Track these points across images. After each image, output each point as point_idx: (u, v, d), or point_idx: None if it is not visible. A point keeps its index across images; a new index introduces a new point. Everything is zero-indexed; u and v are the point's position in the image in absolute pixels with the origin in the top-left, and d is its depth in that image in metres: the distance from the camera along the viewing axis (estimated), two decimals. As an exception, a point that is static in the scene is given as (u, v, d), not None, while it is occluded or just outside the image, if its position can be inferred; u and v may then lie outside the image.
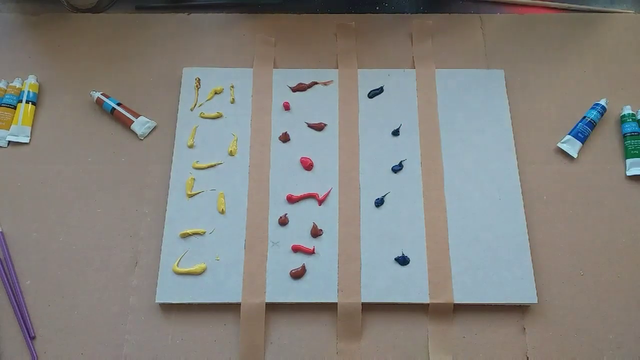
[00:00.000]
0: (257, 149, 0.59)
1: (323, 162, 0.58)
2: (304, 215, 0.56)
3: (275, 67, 0.64)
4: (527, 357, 0.51)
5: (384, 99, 0.62)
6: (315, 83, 0.62)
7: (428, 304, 0.52)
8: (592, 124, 0.60)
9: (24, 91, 0.61)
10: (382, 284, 0.53)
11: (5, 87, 0.62)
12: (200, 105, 0.61)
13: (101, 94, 0.61)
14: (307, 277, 0.53)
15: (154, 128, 0.61)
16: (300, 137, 0.60)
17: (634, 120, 0.59)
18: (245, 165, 0.58)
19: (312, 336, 0.52)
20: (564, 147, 0.59)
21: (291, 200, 0.56)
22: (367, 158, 0.59)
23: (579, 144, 0.59)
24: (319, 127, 0.60)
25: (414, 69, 0.63)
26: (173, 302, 0.52)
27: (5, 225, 0.56)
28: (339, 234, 0.55)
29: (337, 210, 0.56)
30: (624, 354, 0.51)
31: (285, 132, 0.59)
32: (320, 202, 0.56)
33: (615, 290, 0.53)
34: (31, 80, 0.62)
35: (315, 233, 0.55)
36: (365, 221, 0.56)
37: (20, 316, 0.52)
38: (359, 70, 0.63)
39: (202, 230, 0.55)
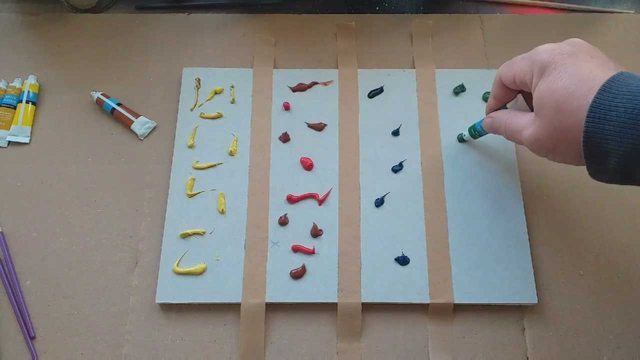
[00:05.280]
0: (257, 149, 0.59)
1: (323, 162, 0.58)
2: (304, 215, 0.56)
3: (275, 67, 0.64)
4: (527, 357, 0.51)
5: (384, 99, 0.62)
6: (315, 83, 0.62)
7: (428, 304, 0.52)
8: (592, 124, 0.60)
9: (24, 91, 0.61)
10: (382, 284, 0.53)
11: (5, 87, 0.62)
12: (200, 105, 0.61)
13: (101, 94, 0.61)
14: (307, 277, 0.53)
15: (154, 128, 0.61)
16: (300, 137, 0.60)
17: None
18: (245, 165, 0.58)
19: (312, 336, 0.52)
20: (564, 147, 0.59)
21: (291, 200, 0.56)
22: (367, 158, 0.58)
23: (579, 144, 0.59)
24: (319, 127, 0.60)
25: (414, 69, 0.63)
26: (173, 302, 0.52)
27: (5, 225, 0.56)
28: (339, 234, 0.55)
29: (337, 210, 0.56)
30: (624, 354, 0.51)
31: (285, 132, 0.59)
32: (320, 202, 0.56)
33: (615, 290, 0.53)
34: (31, 80, 0.62)
35: (315, 233, 0.55)
36: (365, 221, 0.55)
37: (20, 316, 0.52)
38: (359, 70, 0.63)
39: (202, 230, 0.55)
